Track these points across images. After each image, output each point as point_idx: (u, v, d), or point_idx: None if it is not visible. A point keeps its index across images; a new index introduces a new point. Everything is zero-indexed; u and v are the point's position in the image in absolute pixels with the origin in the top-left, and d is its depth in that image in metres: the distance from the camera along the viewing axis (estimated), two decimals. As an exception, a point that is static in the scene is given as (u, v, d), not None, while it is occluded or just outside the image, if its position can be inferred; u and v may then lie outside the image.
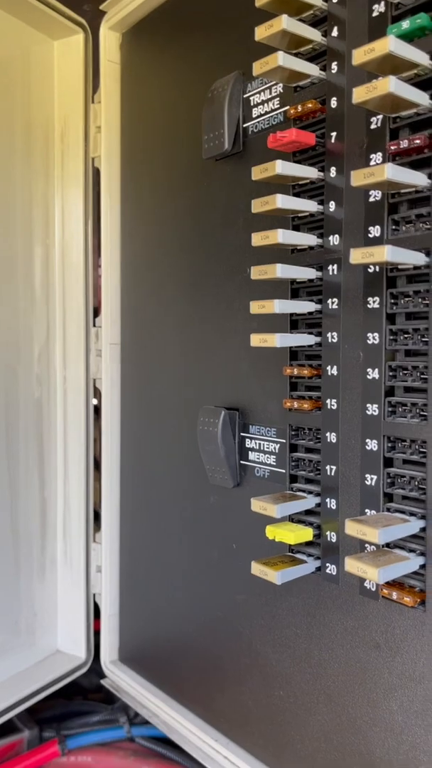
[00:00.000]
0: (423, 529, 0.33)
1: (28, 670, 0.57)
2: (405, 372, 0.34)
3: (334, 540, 0.37)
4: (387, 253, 0.31)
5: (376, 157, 0.34)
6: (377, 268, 0.34)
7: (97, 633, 0.60)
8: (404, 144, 0.33)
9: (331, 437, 0.37)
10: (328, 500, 0.37)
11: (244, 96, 0.43)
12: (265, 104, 0.41)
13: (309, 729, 0.39)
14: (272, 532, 0.38)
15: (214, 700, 0.47)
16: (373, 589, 0.35)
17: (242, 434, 0.44)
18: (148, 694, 0.53)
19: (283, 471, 0.40)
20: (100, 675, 0.60)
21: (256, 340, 0.38)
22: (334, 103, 0.37)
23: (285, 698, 0.41)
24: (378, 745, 0.35)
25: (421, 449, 0.33)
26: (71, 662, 0.59)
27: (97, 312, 0.58)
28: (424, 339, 0.33)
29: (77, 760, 0.56)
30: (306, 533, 0.37)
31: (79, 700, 0.64)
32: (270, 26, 0.36)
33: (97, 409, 0.59)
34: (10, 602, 0.56)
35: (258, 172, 0.37)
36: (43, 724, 0.58)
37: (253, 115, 0.42)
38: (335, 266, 0.37)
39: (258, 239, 0.37)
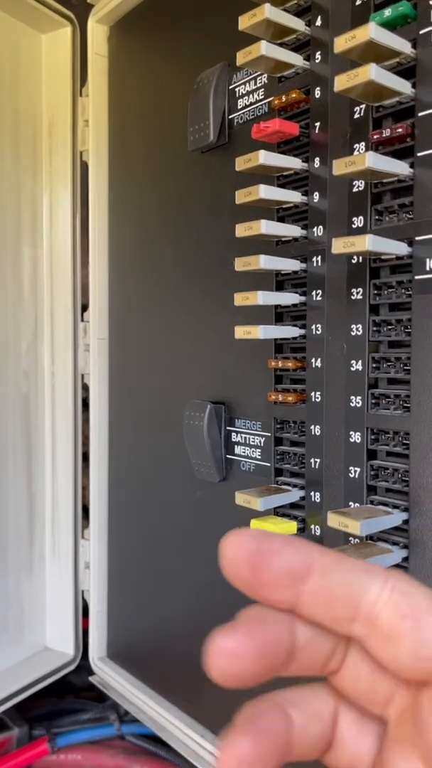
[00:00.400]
0: (406, 522, 0.32)
1: (16, 666, 0.57)
2: (388, 363, 0.34)
3: (318, 533, 0.37)
4: (368, 243, 0.31)
5: (360, 147, 0.34)
6: (360, 259, 0.34)
7: (85, 630, 0.59)
8: (387, 133, 0.32)
9: (316, 430, 0.37)
10: (312, 493, 0.37)
11: (230, 87, 0.42)
12: (250, 95, 0.41)
13: (294, 725, 0.39)
14: (256, 526, 0.37)
15: (201, 697, 0.47)
16: (357, 583, 0.35)
17: (228, 428, 0.43)
18: (136, 691, 0.53)
19: (269, 464, 0.40)
20: (90, 673, 0.60)
21: (240, 332, 0.38)
22: (317, 93, 0.36)
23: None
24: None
25: (404, 441, 0.33)
26: (59, 659, 0.58)
27: (85, 307, 0.58)
28: (407, 330, 0.33)
29: (67, 758, 0.56)
30: (290, 526, 0.37)
31: (71, 698, 0.64)
32: (253, 15, 0.35)
33: (86, 404, 0.59)
34: (-2, 598, 0.56)
35: (242, 163, 0.36)
36: (33, 722, 0.58)
37: (239, 106, 0.42)
38: (319, 257, 0.36)
39: (241, 230, 0.36)
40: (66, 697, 0.64)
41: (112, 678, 0.56)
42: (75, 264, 0.57)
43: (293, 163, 0.37)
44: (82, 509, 0.59)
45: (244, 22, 0.36)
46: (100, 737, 0.58)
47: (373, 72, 0.30)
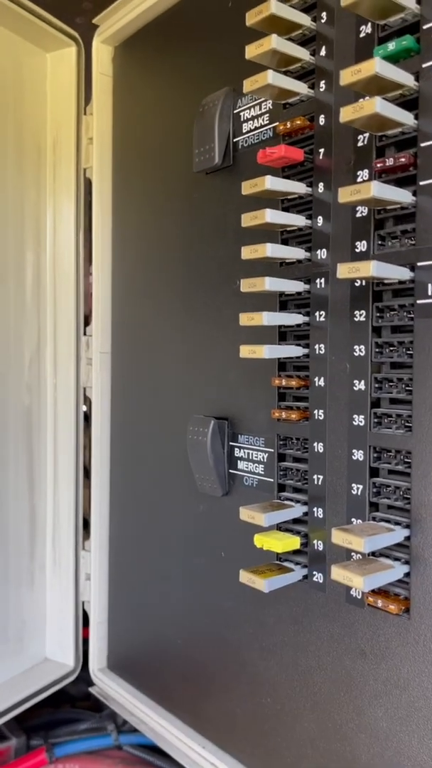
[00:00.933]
0: (408, 538, 0.33)
1: (16, 677, 0.57)
2: (390, 384, 0.35)
3: (321, 548, 0.38)
4: (372, 269, 0.32)
5: (363, 174, 0.35)
6: (363, 282, 0.35)
7: (85, 641, 0.60)
8: (390, 162, 0.33)
9: (319, 447, 0.38)
10: (315, 509, 0.38)
11: (234, 111, 0.43)
12: (255, 120, 0.42)
13: (295, 735, 0.40)
14: (260, 541, 0.38)
15: (202, 708, 0.48)
16: (359, 597, 0.36)
17: (231, 443, 0.44)
18: (136, 702, 0.53)
19: (272, 480, 0.41)
20: (88, 683, 0.60)
21: (246, 351, 0.38)
22: (322, 120, 0.37)
23: (272, 705, 0.41)
24: (363, 751, 0.36)
25: (406, 459, 0.34)
26: (60, 670, 0.59)
27: (87, 321, 0.59)
28: (408, 352, 0.34)
29: (65, 767, 0.56)
30: (293, 542, 0.38)
31: (67, 707, 0.64)
32: (260, 45, 0.37)
33: (87, 417, 0.59)
34: (-1, 610, 0.56)
35: (248, 187, 0.37)
36: (31, 732, 0.58)
37: (243, 130, 0.43)
38: (323, 279, 0.37)
39: (247, 253, 0.37)
40: (63, 707, 0.64)
41: (112, 689, 0.56)
42: (78, 278, 0.57)
43: (298, 188, 0.38)
44: (83, 521, 0.60)
45: (251, 51, 0.37)
46: (97, 747, 0.58)
47: (378, 105, 0.31)
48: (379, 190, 0.32)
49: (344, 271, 0.33)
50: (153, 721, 0.51)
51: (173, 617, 0.51)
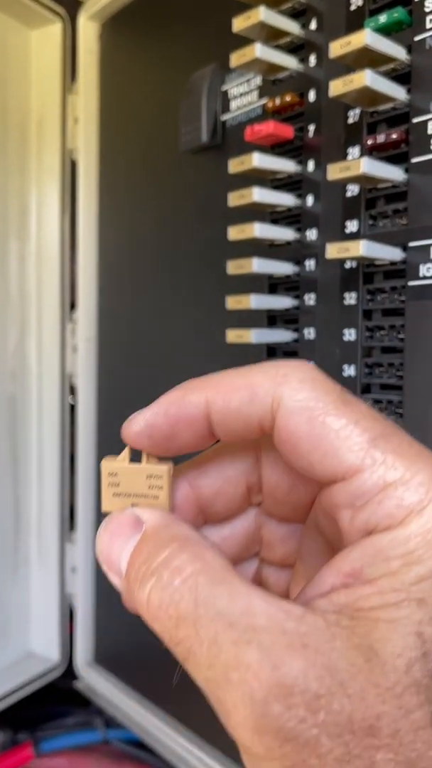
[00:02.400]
0: (398, 528, 0.32)
1: (0, 672, 0.56)
2: (381, 369, 0.34)
3: (309, 539, 0.37)
4: (362, 249, 0.30)
5: (354, 152, 0.34)
6: (354, 264, 0.34)
7: (71, 634, 0.59)
8: (381, 138, 0.32)
9: (307, 435, 0.37)
10: (303, 498, 0.37)
11: (223, 88, 0.42)
12: (244, 96, 0.41)
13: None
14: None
15: (189, 702, 0.47)
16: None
17: (218, 432, 0.43)
18: (122, 696, 0.53)
19: (259, 469, 0.40)
20: (75, 677, 0.59)
21: (233, 336, 0.37)
22: (312, 96, 0.36)
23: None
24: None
25: (397, 447, 0.33)
26: (44, 664, 0.58)
27: (73, 307, 0.57)
28: (400, 336, 0.33)
29: (51, 763, 0.55)
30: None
31: (54, 702, 0.63)
32: (248, 17, 0.35)
33: (73, 406, 0.58)
34: (-17, 603, 0.55)
35: (235, 165, 0.36)
36: (17, 727, 0.57)
37: (231, 108, 0.41)
38: (312, 261, 0.36)
39: (234, 233, 0.36)
40: (49, 702, 0.63)
41: (99, 683, 0.55)
42: (63, 263, 0.56)
43: (287, 166, 0.36)
44: (69, 512, 0.58)
45: (239, 24, 0.36)
46: (85, 742, 0.57)
47: (368, 78, 0.30)
48: (369, 166, 0.31)
49: (333, 251, 0.32)
50: (139, 715, 0.50)
51: (160, 610, 0.50)
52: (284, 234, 0.37)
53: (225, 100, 0.42)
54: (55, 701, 0.63)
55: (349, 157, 0.34)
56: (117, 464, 0.22)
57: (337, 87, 0.31)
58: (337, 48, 0.31)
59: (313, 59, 0.36)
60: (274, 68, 0.37)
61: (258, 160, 0.35)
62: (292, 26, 0.36)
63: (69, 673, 0.59)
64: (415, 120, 0.32)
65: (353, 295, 0.34)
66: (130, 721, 0.51)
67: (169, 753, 0.47)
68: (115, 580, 0.20)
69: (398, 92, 0.32)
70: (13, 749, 0.55)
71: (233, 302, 0.37)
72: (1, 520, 0.56)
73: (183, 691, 0.47)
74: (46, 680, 0.57)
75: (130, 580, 0.19)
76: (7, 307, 0.55)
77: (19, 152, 0.55)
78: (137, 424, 0.21)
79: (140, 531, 0.20)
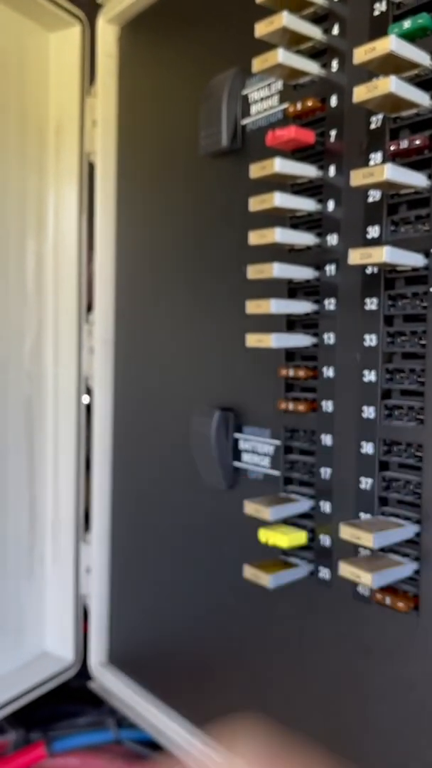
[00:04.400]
0: (418, 534, 0.32)
1: (15, 671, 0.56)
2: (402, 375, 0.34)
3: (327, 544, 0.37)
4: (386, 255, 0.30)
5: (376, 157, 0.34)
6: (375, 270, 0.34)
7: (86, 635, 0.59)
8: (404, 144, 0.32)
9: (326, 440, 0.37)
10: (322, 503, 0.37)
11: (243, 92, 0.42)
12: (264, 101, 0.41)
13: (299, 733, 0.39)
14: (265, 535, 0.37)
15: (204, 703, 0.47)
16: (366, 594, 0.35)
17: (236, 435, 0.43)
18: (136, 697, 0.53)
19: (278, 473, 0.40)
20: (88, 677, 0.60)
21: (252, 340, 0.37)
22: (334, 101, 0.36)
23: (275, 702, 0.41)
24: (369, 750, 0.35)
25: (417, 453, 0.33)
26: (59, 664, 0.58)
27: (90, 309, 0.58)
28: (421, 342, 0.33)
29: (64, 762, 0.56)
30: (299, 536, 0.37)
31: (67, 702, 0.64)
32: (270, 23, 0.35)
33: (89, 407, 0.58)
34: (-2, 602, 0.55)
35: (256, 170, 0.36)
36: (30, 726, 0.57)
37: (252, 112, 0.41)
38: (333, 266, 0.36)
39: (255, 238, 0.36)
40: (62, 701, 0.64)
41: (113, 683, 0.55)
42: (80, 265, 0.56)
43: (308, 171, 0.36)
44: (84, 513, 0.59)
45: (261, 29, 0.36)
46: (97, 742, 0.58)
47: (393, 85, 0.30)
48: (393, 173, 0.30)
49: (356, 257, 0.32)
50: (153, 716, 0.51)
51: (175, 612, 0.50)
52: (305, 239, 0.37)
53: (245, 105, 0.42)
54: (68, 701, 0.63)
55: (371, 163, 0.34)
56: None
57: (361, 93, 0.31)
58: (361, 54, 0.31)
59: (335, 64, 0.36)
60: (295, 73, 0.37)
61: (280, 165, 0.35)
62: (314, 31, 0.36)
63: (82, 673, 0.59)
64: (439, 126, 0.31)
65: (374, 300, 0.34)
66: (144, 722, 0.52)
67: (183, 754, 0.47)
68: None
69: (422, 98, 0.31)
70: (26, 748, 0.56)
71: (253, 306, 0.37)
72: (18, 521, 0.56)
73: (197, 692, 0.47)
74: (60, 680, 0.58)
75: None
76: (24, 309, 0.55)
77: (38, 154, 0.56)
78: None
79: None
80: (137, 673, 0.55)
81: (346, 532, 0.32)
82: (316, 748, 0.38)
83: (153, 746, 0.55)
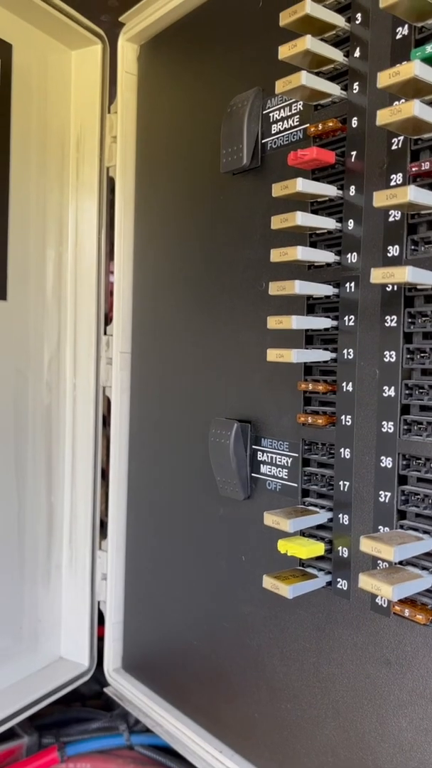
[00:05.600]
0: (437, 548, 0.33)
1: (31, 676, 0.57)
2: (421, 390, 0.34)
3: (345, 555, 0.37)
4: (408, 274, 0.31)
5: (397, 178, 0.35)
6: (395, 287, 0.35)
7: (100, 640, 0.60)
8: (426, 166, 0.33)
9: (345, 453, 0.37)
10: (340, 516, 0.38)
11: (264, 112, 0.43)
12: (285, 121, 0.42)
13: (316, 743, 0.39)
14: (284, 546, 0.38)
15: (219, 711, 0.48)
16: (385, 606, 0.35)
17: (254, 447, 0.44)
18: (151, 703, 0.53)
19: (295, 485, 0.41)
20: (99, 682, 0.60)
21: (273, 355, 0.38)
22: (354, 122, 0.37)
23: (292, 711, 0.41)
24: (386, 761, 0.35)
25: (436, 468, 0.33)
26: (74, 669, 0.59)
27: (108, 320, 0.59)
28: (441, 359, 0.33)
29: (76, 766, 0.56)
30: (318, 548, 0.38)
31: (78, 706, 0.64)
32: (294, 46, 0.36)
33: (106, 418, 0.59)
34: (14, 608, 0.56)
35: (278, 189, 0.37)
36: (43, 730, 0.58)
37: (272, 132, 0.42)
38: (353, 284, 0.37)
39: (277, 255, 0.37)
40: (73, 705, 0.64)
41: (127, 690, 0.56)
42: (99, 278, 0.57)
43: (329, 191, 0.37)
44: (99, 521, 0.59)
45: (285, 51, 0.36)
46: (109, 747, 0.58)
47: (417, 108, 0.31)
48: (415, 194, 0.31)
49: (378, 276, 0.32)
50: (168, 723, 0.51)
51: (190, 619, 0.50)
52: (325, 257, 0.37)
53: (266, 124, 0.43)
54: (81, 706, 0.64)
55: (392, 183, 0.35)
56: None
57: (384, 116, 0.32)
58: (385, 78, 0.32)
59: (356, 86, 0.37)
60: (317, 95, 0.37)
61: (302, 185, 0.36)
62: (336, 54, 0.37)
63: (95, 678, 0.60)
64: (459, 149, 0.32)
65: (394, 317, 0.35)
66: (160, 729, 0.52)
67: (197, 761, 0.48)
68: None
69: (443, 121, 0.32)
70: (39, 753, 0.56)
71: (274, 322, 0.38)
72: (35, 528, 0.57)
73: (212, 700, 0.48)
74: (75, 686, 0.58)
75: None
76: (44, 320, 0.56)
77: (59, 168, 0.57)
78: None
79: None
80: (151, 680, 0.55)
81: (367, 545, 0.33)
82: (332, 757, 0.38)
83: (164, 751, 0.55)
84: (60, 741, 0.57)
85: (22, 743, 0.57)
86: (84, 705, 0.65)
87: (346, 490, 0.37)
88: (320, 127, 0.38)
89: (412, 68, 0.31)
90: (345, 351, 0.37)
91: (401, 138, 0.35)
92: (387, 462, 0.35)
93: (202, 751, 0.47)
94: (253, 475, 0.44)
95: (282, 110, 0.42)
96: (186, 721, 0.50)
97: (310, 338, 0.40)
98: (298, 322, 0.37)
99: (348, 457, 0.37)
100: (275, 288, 0.37)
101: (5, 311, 0.53)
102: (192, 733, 0.49)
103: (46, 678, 0.57)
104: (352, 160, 0.37)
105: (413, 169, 0.33)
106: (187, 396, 0.51)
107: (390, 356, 0.35)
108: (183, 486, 0.51)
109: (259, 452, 0.44)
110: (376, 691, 0.36)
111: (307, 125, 0.39)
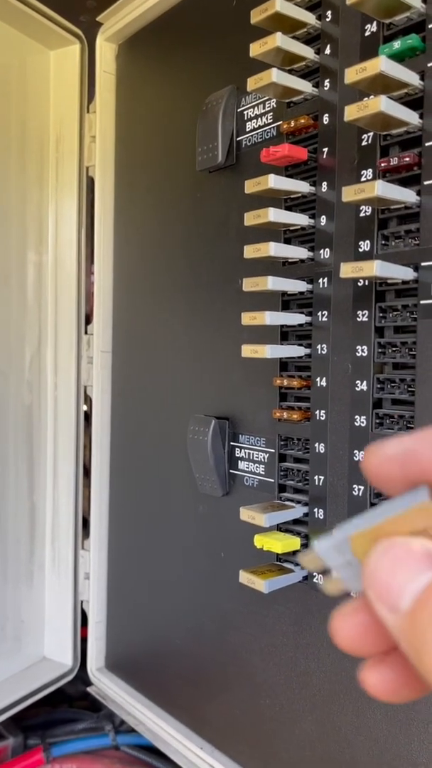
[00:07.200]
0: (409, 540, 0.33)
1: (14, 676, 0.57)
2: (393, 384, 0.35)
3: (321, 549, 0.37)
4: (376, 268, 0.31)
5: (367, 173, 0.35)
6: (367, 282, 0.35)
7: (84, 640, 0.60)
8: (394, 161, 0.33)
9: (320, 448, 0.38)
10: (315, 510, 0.38)
11: (238, 110, 0.43)
12: (259, 118, 0.42)
13: (294, 737, 0.40)
14: (260, 541, 0.38)
15: (200, 708, 0.48)
16: (359, 599, 0.35)
17: (232, 443, 0.44)
18: (134, 702, 0.53)
19: (272, 480, 0.41)
20: (85, 682, 0.60)
21: (247, 351, 0.38)
22: (326, 119, 0.37)
23: (271, 706, 0.41)
24: (362, 753, 0.36)
25: (408, 461, 0.34)
26: (58, 669, 0.59)
27: (89, 319, 0.59)
28: (411, 352, 0.34)
29: (62, 767, 0.56)
30: (293, 542, 0.38)
31: (64, 707, 0.64)
32: (264, 43, 0.36)
33: (88, 417, 0.59)
34: (-3, 608, 0.56)
35: (251, 186, 0.37)
36: (28, 732, 0.58)
37: (247, 129, 0.43)
38: (325, 279, 0.37)
39: (250, 252, 0.37)
40: (60, 706, 0.64)
41: (110, 689, 0.56)
42: (79, 277, 0.57)
43: (301, 187, 0.37)
44: (82, 520, 0.59)
45: (256, 49, 0.37)
46: (95, 747, 0.58)
47: (383, 104, 0.31)
48: (383, 189, 0.32)
49: (347, 270, 0.33)
50: (151, 721, 0.51)
51: (172, 617, 0.50)
52: (298, 253, 0.38)
53: (240, 121, 0.43)
54: (68, 707, 0.64)
55: (363, 179, 0.35)
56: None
57: (352, 112, 0.32)
58: (352, 74, 0.32)
59: (327, 83, 0.37)
60: (289, 92, 0.38)
61: (274, 181, 0.36)
62: (307, 51, 0.37)
63: (77, 677, 0.60)
64: (428, 144, 0.33)
65: (366, 312, 0.35)
66: (142, 727, 0.52)
67: (179, 758, 0.48)
68: (384, 613, 0.17)
69: (411, 117, 0.33)
70: (25, 754, 0.56)
71: (248, 318, 0.38)
72: (17, 528, 0.57)
73: (193, 697, 0.48)
74: (58, 685, 0.58)
75: (418, 619, 0.16)
76: (25, 320, 0.56)
77: (38, 169, 0.57)
78: (391, 447, 0.18)
79: None
80: (135, 679, 0.55)
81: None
82: (310, 751, 0.38)
83: (150, 751, 0.55)
84: (45, 742, 0.57)
85: (7, 744, 0.57)
86: (71, 706, 0.65)
87: (321, 484, 0.38)
88: (292, 124, 0.38)
89: (379, 64, 0.31)
90: (319, 346, 0.38)
91: (371, 134, 0.35)
92: (360, 455, 0.35)
93: (184, 749, 0.47)
94: (231, 471, 0.44)
95: (256, 108, 0.42)
96: (168, 718, 0.50)
97: (285, 334, 0.40)
98: (271, 318, 0.37)
99: (323, 451, 0.37)
100: (249, 284, 0.38)
101: (-15, 311, 0.53)
102: (173, 730, 0.49)
103: (29, 678, 0.57)
104: (324, 156, 0.37)
105: (382, 165, 0.34)
106: (167, 394, 0.51)
107: (362, 351, 0.35)
108: (164, 484, 0.51)
109: (237, 448, 0.44)
110: (352, 685, 0.36)
111: (280, 122, 0.40)
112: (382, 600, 0.17)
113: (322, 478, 0.37)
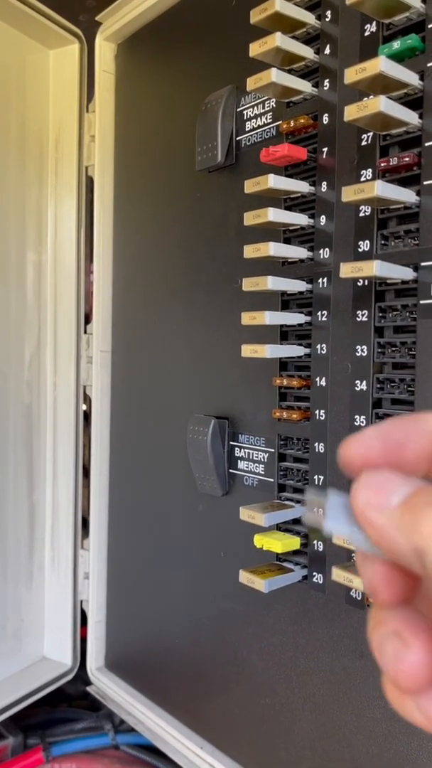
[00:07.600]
0: (408, 540, 0.33)
1: (14, 676, 0.57)
2: (392, 384, 0.35)
3: (321, 549, 0.38)
4: (376, 268, 0.31)
5: (367, 173, 0.35)
6: (366, 282, 0.35)
7: (83, 640, 0.60)
8: (394, 161, 0.33)
9: (320, 447, 0.38)
10: (315, 509, 0.38)
11: (238, 109, 0.43)
12: (258, 118, 0.42)
13: (294, 736, 0.40)
14: (260, 541, 0.38)
15: (200, 708, 0.48)
16: (359, 598, 0.35)
17: (231, 443, 0.44)
18: (133, 701, 0.53)
19: (272, 480, 0.41)
20: (85, 682, 0.60)
21: (247, 350, 0.38)
22: (325, 119, 0.37)
23: (270, 706, 0.41)
24: (362, 752, 0.36)
25: (408, 460, 0.34)
26: (57, 669, 0.59)
27: (88, 319, 0.59)
28: (411, 352, 0.34)
29: (61, 767, 0.56)
30: (293, 542, 0.38)
31: (64, 707, 0.64)
32: (264, 43, 0.36)
33: (87, 416, 0.59)
34: (-3, 608, 0.56)
35: (251, 186, 0.37)
36: (28, 731, 0.58)
37: (246, 129, 0.43)
38: (325, 279, 0.37)
39: (250, 251, 0.37)
40: (59, 706, 0.64)
41: (110, 688, 0.56)
42: (79, 277, 0.57)
43: (301, 186, 0.37)
44: (81, 520, 0.59)
45: (255, 49, 0.37)
46: (94, 747, 0.58)
47: (382, 104, 0.31)
48: (383, 189, 0.32)
49: (347, 270, 0.33)
50: (150, 720, 0.51)
51: (172, 617, 0.50)
52: (298, 253, 0.38)
53: (240, 121, 0.43)
54: (68, 707, 0.64)
55: (362, 179, 0.35)
56: None
57: (351, 112, 0.32)
58: (352, 74, 0.32)
59: (326, 83, 0.37)
60: (288, 92, 0.38)
61: (273, 181, 0.36)
62: (306, 51, 0.37)
63: (77, 677, 0.60)
64: (428, 144, 0.33)
65: (365, 312, 0.35)
66: (142, 726, 0.52)
67: (178, 758, 0.48)
68: (374, 515, 0.18)
69: (411, 117, 0.33)
70: (24, 753, 0.56)
71: (248, 318, 0.38)
72: (17, 528, 0.57)
73: (193, 696, 0.48)
74: (58, 685, 0.58)
75: (412, 504, 0.17)
76: (24, 319, 0.56)
77: (38, 168, 0.57)
78: (368, 433, 0.20)
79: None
80: (134, 678, 0.55)
81: (340, 538, 0.33)
82: (309, 750, 0.39)
83: (150, 750, 0.55)
84: (45, 741, 0.57)
85: (7, 744, 0.57)
86: (70, 705, 0.65)
87: (320, 484, 0.38)
88: (292, 123, 0.38)
89: (378, 64, 0.31)
90: (318, 346, 0.38)
91: (371, 134, 0.35)
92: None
93: (183, 748, 0.47)
94: (230, 471, 0.44)
95: (255, 108, 0.42)
96: (167, 718, 0.50)
97: (285, 334, 0.40)
98: (271, 317, 0.37)
99: (322, 451, 0.37)
100: (248, 284, 0.38)
101: (-16, 311, 0.53)
102: (173, 729, 0.49)
103: (28, 677, 0.57)
104: (324, 156, 0.37)
105: (382, 165, 0.34)
106: (167, 393, 0.51)
107: (362, 350, 0.35)
108: (163, 483, 0.51)
109: (236, 448, 0.44)
110: (351, 684, 0.36)
111: (280, 122, 0.40)
112: (372, 504, 0.18)
113: (321, 477, 0.37)
